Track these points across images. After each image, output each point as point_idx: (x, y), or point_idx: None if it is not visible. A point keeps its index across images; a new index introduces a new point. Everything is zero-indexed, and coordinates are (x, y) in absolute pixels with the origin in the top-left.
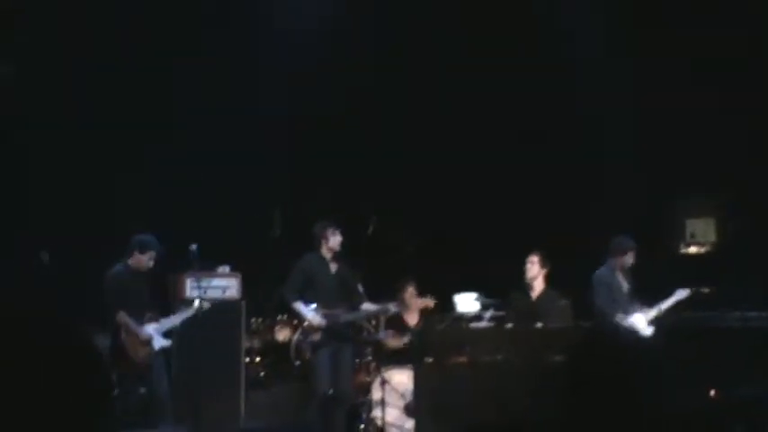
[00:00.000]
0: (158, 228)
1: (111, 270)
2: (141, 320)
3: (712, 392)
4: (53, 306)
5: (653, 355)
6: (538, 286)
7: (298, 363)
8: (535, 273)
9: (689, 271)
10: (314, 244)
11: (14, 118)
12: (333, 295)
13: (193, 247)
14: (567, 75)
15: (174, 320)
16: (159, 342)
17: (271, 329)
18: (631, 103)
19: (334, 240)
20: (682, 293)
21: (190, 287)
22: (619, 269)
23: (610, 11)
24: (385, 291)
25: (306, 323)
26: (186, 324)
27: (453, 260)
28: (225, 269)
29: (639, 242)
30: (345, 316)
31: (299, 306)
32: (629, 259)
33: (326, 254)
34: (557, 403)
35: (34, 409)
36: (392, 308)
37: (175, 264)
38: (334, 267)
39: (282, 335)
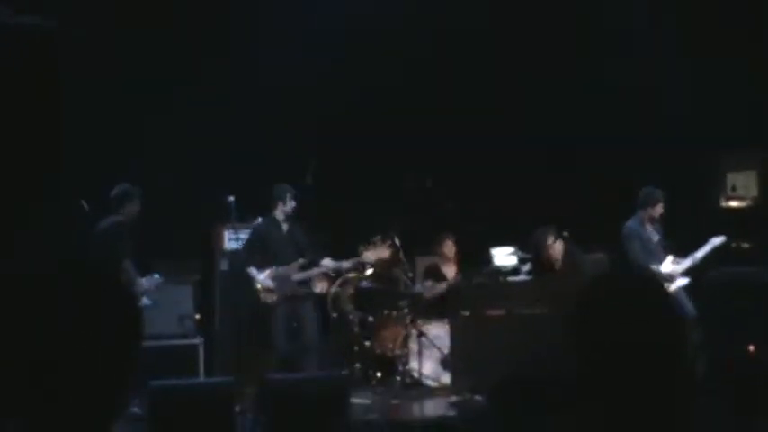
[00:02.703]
0: (195, 180)
1: (110, 218)
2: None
3: (751, 348)
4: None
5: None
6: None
7: (335, 315)
8: (558, 253)
9: (729, 225)
10: (269, 205)
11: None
12: (287, 255)
13: (230, 199)
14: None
15: (156, 281)
16: (144, 302)
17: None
18: (671, 55)
19: (290, 205)
20: (716, 241)
21: (228, 239)
22: (648, 221)
23: None
24: (425, 241)
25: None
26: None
27: (491, 215)
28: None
29: (680, 195)
30: (296, 276)
31: (252, 271)
32: (658, 210)
33: (280, 216)
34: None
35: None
36: (346, 264)
37: (214, 216)
38: (285, 227)
39: (320, 287)
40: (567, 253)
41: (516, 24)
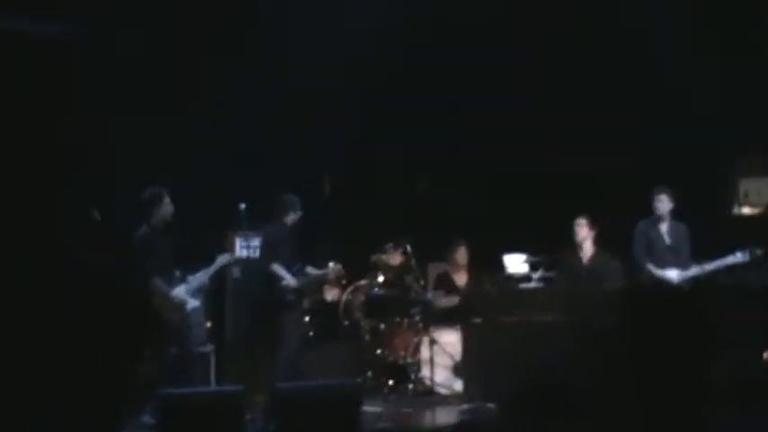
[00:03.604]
0: (207, 187)
1: (138, 232)
2: (170, 281)
3: (766, 355)
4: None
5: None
6: (588, 248)
7: (346, 322)
8: (584, 235)
9: (742, 232)
10: (277, 212)
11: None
12: (294, 261)
13: (242, 206)
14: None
15: (202, 277)
16: (192, 304)
17: (319, 289)
18: (686, 61)
19: (296, 216)
20: (737, 258)
21: (239, 246)
22: (661, 220)
23: None
24: (437, 250)
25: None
26: (214, 278)
27: (504, 220)
28: None
29: (693, 202)
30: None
31: (277, 268)
32: (660, 205)
33: (288, 223)
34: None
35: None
36: (332, 274)
37: (225, 223)
38: (291, 235)
39: (331, 294)
40: (595, 255)
41: (536, 23)
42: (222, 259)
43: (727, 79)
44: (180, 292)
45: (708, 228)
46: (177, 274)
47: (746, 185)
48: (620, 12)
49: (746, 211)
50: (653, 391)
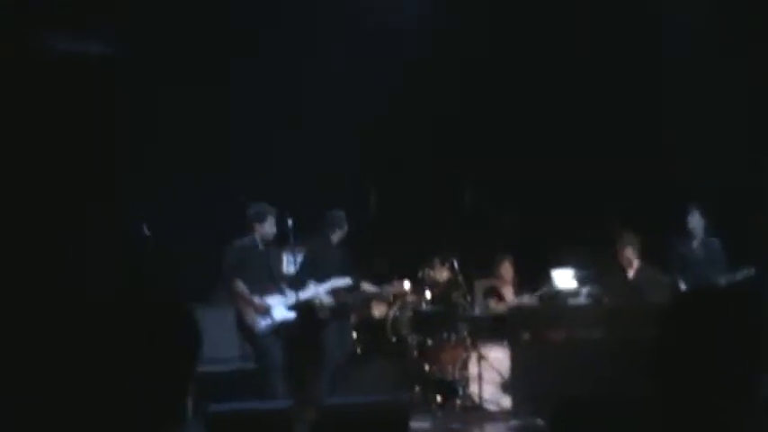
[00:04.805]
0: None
1: (235, 242)
2: (262, 292)
3: None
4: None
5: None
6: (633, 263)
7: (394, 339)
8: (628, 250)
9: None
10: (322, 227)
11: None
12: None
13: (290, 221)
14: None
15: (306, 293)
16: (281, 313)
17: (367, 305)
18: (723, 73)
19: (342, 232)
20: (745, 273)
21: (286, 262)
22: (694, 236)
23: None
24: (482, 263)
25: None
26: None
27: (551, 234)
28: None
29: (734, 216)
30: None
31: (312, 286)
32: (692, 223)
33: (334, 239)
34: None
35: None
36: (389, 291)
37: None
38: (337, 251)
39: (379, 311)
40: (641, 270)
41: (573, 38)
42: (338, 281)
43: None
44: (268, 299)
45: (746, 240)
46: (273, 286)
47: None
48: (650, 25)
49: None
50: (697, 402)
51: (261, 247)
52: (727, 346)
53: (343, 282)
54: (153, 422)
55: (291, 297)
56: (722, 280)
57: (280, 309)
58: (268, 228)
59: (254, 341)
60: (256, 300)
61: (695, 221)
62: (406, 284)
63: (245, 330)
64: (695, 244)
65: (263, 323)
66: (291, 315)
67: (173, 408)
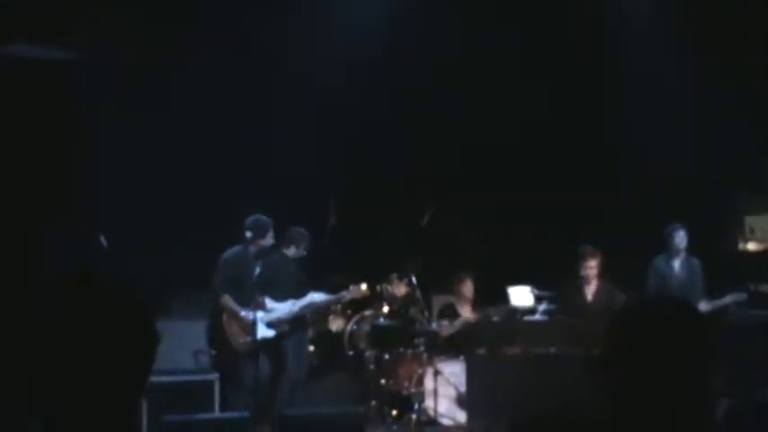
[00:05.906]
0: (212, 216)
1: (227, 252)
2: (247, 304)
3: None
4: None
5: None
6: (593, 283)
7: (351, 352)
8: (594, 275)
9: (748, 268)
10: (282, 242)
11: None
12: (297, 292)
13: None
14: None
15: (285, 309)
16: (262, 332)
17: (325, 318)
18: (689, 97)
19: (300, 251)
20: (737, 297)
21: None
22: (676, 255)
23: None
24: (441, 280)
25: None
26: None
27: (508, 251)
28: None
29: (697, 238)
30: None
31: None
32: (677, 241)
33: (291, 255)
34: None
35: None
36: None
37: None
38: (292, 267)
39: (336, 324)
40: (601, 290)
41: (538, 59)
42: (315, 297)
43: (734, 116)
44: (250, 315)
45: (713, 263)
46: (257, 300)
47: (752, 223)
48: (632, 50)
49: (752, 246)
50: (646, 415)
51: (252, 260)
52: (672, 356)
53: (321, 298)
54: (106, 428)
55: (272, 314)
56: (706, 305)
57: (261, 327)
58: (269, 241)
59: (229, 356)
60: (242, 314)
61: (680, 240)
62: (363, 286)
63: (223, 344)
64: (677, 263)
65: (242, 340)
66: (271, 333)
67: (126, 411)
